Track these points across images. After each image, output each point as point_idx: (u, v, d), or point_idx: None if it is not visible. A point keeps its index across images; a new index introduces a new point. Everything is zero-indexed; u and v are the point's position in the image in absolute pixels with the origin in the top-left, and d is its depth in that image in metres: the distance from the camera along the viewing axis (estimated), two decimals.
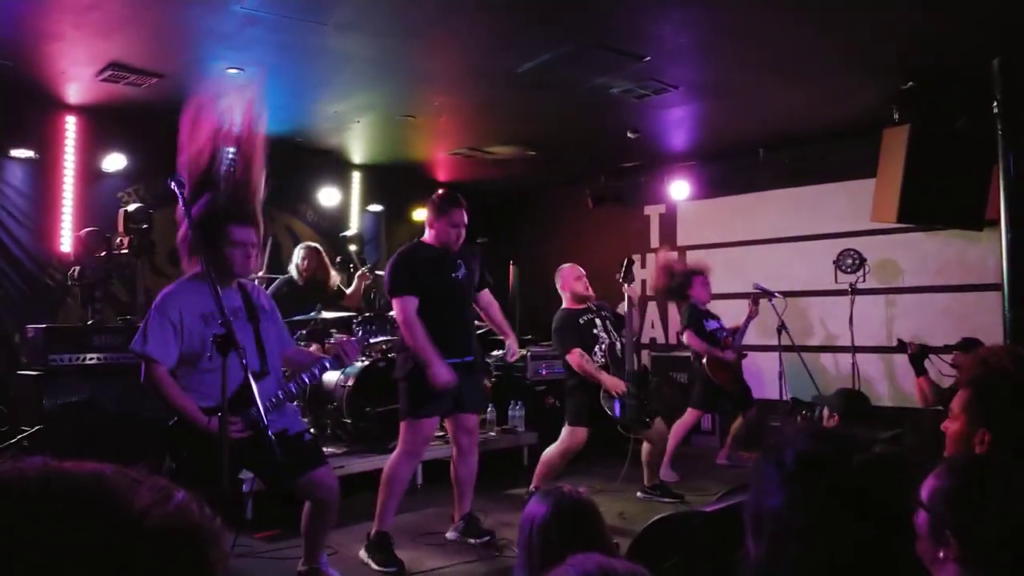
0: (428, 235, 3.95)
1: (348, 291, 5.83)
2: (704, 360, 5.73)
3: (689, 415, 5.80)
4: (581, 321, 4.74)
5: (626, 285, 4.74)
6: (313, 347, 5.01)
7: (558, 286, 4.94)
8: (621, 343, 4.71)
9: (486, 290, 4.20)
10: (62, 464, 0.60)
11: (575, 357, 4.58)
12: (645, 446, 4.87)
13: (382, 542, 3.71)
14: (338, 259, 6.51)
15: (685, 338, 5.84)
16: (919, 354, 4.45)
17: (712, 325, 5.92)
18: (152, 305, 2.90)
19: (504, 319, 4.28)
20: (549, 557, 1.50)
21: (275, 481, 3.09)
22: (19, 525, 0.54)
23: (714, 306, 6.13)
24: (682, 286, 5.92)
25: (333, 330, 5.37)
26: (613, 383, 4.50)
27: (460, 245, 3.97)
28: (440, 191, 4.07)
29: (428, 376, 3.63)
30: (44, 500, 0.56)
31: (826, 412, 3.25)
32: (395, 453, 3.81)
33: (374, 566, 3.64)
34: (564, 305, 4.88)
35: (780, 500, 1.01)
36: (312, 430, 3.66)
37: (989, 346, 3.30)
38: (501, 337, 4.25)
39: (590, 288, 4.87)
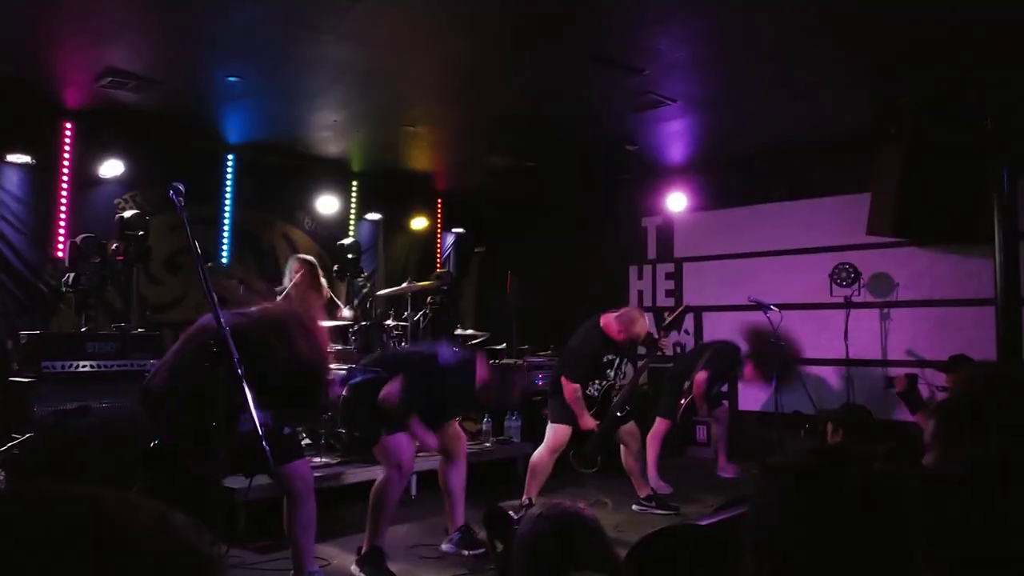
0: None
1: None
2: (688, 388, 5.83)
3: (659, 424, 5.86)
4: (604, 360, 4.88)
5: (663, 333, 5.08)
6: None
7: (623, 322, 4.80)
8: (620, 386, 4.92)
9: None
10: (57, 489, 0.58)
11: (570, 390, 4.73)
12: (623, 451, 4.97)
13: (374, 556, 3.67)
14: (335, 268, 6.50)
15: (698, 376, 5.81)
16: (907, 391, 3.91)
17: (721, 388, 6.11)
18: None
19: None
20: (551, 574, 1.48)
21: (252, 470, 3.08)
22: (14, 553, 0.53)
23: (708, 317, 6.13)
24: (771, 358, 5.82)
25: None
26: (586, 424, 4.74)
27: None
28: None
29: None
30: (39, 527, 0.54)
31: (830, 427, 3.24)
32: (382, 476, 3.76)
33: None
34: (603, 328, 4.83)
35: (779, 515, 1.00)
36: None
37: (986, 361, 3.28)
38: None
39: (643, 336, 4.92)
